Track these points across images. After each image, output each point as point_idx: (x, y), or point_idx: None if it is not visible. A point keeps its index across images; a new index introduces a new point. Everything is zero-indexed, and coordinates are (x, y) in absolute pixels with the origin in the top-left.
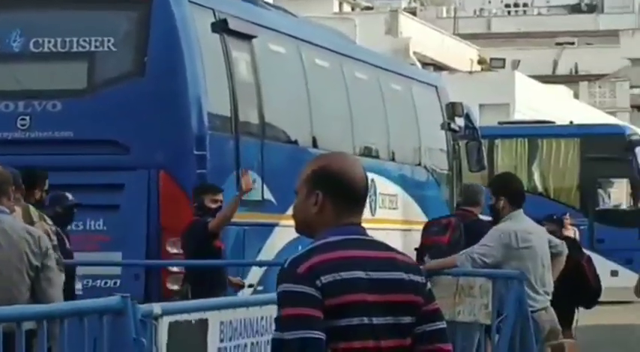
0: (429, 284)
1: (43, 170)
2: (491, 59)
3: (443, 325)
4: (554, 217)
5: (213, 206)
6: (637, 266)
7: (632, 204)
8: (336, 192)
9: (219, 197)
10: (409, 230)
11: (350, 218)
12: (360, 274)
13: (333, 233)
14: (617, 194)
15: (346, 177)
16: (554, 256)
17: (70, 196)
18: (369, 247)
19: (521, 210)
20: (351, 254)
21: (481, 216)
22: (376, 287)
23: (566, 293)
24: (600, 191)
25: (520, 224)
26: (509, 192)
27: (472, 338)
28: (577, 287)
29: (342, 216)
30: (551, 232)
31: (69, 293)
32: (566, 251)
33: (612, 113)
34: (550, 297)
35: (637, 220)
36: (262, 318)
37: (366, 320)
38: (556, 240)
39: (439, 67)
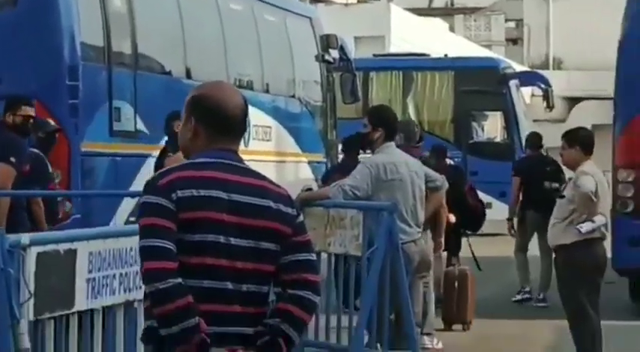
0: (301, 217)
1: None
2: None
3: (310, 257)
4: (437, 147)
5: (18, 120)
6: (510, 199)
7: (505, 137)
8: (208, 118)
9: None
10: (283, 162)
11: (222, 144)
12: (221, 194)
13: (203, 156)
14: (491, 127)
15: (218, 105)
16: (432, 190)
17: (51, 122)
18: (237, 172)
19: (393, 144)
20: (215, 175)
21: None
22: (236, 209)
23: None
24: (474, 124)
25: (391, 157)
26: (388, 124)
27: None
28: (460, 213)
29: (215, 141)
30: (432, 163)
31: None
32: (445, 185)
33: (487, 46)
34: (421, 229)
35: (510, 153)
36: (132, 249)
37: (222, 239)
38: (435, 175)
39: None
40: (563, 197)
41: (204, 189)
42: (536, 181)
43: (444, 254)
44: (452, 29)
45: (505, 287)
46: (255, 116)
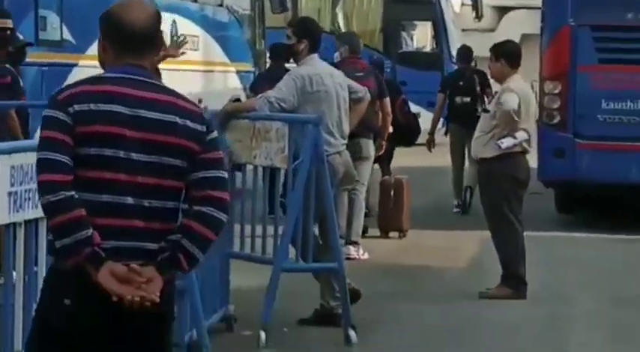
0: (213, 134)
1: None
2: None
3: (219, 174)
4: (375, 61)
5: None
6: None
7: (434, 46)
8: (110, 34)
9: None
10: (211, 71)
11: (127, 59)
12: (121, 109)
13: (109, 71)
14: (421, 37)
15: (120, 21)
16: (355, 102)
17: (20, 36)
18: (142, 87)
19: (317, 55)
20: (117, 90)
21: None
22: (138, 124)
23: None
24: (403, 33)
25: (315, 68)
26: (313, 36)
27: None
28: (395, 126)
29: (121, 57)
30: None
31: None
32: (368, 97)
33: None
34: (346, 141)
35: (439, 63)
36: None
37: (121, 153)
38: (357, 87)
39: None
40: (487, 111)
41: (104, 103)
42: (453, 96)
43: (376, 165)
44: None
45: (441, 196)
46: (183, 25)
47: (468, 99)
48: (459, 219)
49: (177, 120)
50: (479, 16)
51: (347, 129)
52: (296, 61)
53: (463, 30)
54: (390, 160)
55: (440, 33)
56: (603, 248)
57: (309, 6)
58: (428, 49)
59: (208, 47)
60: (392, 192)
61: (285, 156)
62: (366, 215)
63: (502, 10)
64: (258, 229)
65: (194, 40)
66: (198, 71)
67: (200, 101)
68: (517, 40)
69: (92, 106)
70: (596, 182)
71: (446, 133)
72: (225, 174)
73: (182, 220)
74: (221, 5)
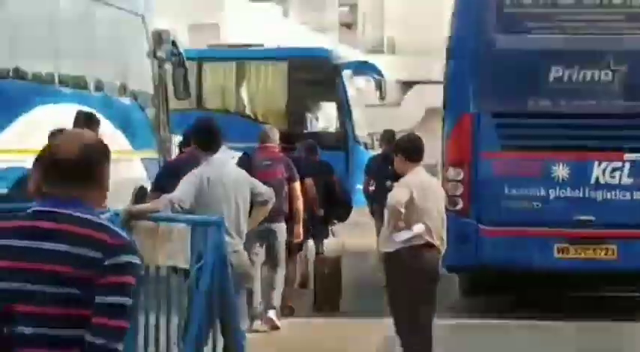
0: (114, 259)
1: None
2: None
3: (115, 300)
4: (307, 144)
5: None
6: (348, 187)
7: (338, 127)
8: (42, 166)
9: None
10: (115, 161)
11: (49, 188)
12: (12, 242)
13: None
14: (325, 117)
15: (49, 150)
16: (259, 204)
17: None
18: (45, 219)
19: (217, 155)
20: (20, 224)
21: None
22: (10, 254)
23: (317, 213)
24: (308, 114)
25: (214, 168)
26: (199, 136)
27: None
28: (330, 205)
29: (45, 186)
30: (302, 158)
31: None
32: (272, 200)
33: (322, 31)
34: (243, 240)
35: (343, 143)
36: None
37: (14, 285)
38: (262, 188)
39: None
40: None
41: (5, 238)
42: (379, 180)
43: (311, 242)
44: (286, 14)
45: (369, 274)
46: None
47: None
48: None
49: (66, 248)
50: (382, 97)
51: (245, 230)
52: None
53: (368, 105)
54: (324, 238)
55: (343, 113)
56: (509, 332)
57: (214, 87)
58: (332, 129)
59: (112, 136)
60: (326, 270)
61: (187, 257)
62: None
63: (407, 85)
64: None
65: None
66: None
67: None
68: (422, 114)
69: None
70: (501, 268)
71: (372, 214)
72: (124, 300)
73: None
74: (125, 93)
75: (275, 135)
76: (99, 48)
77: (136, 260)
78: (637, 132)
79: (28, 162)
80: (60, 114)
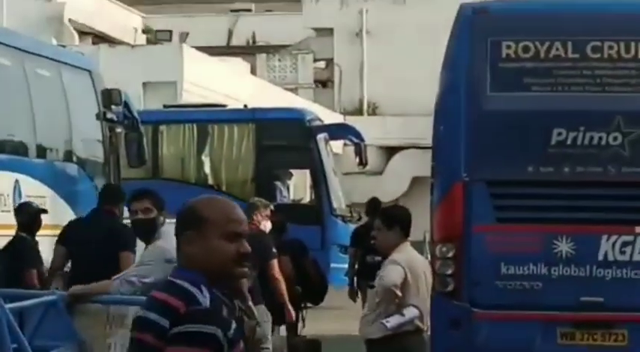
0: (179, 329)
1: None
2: (157, 31)
3: None
4: (278, 224)
5: None
6: (323, 266)
7: (312, 198)
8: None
9: None
10: None
11: None
12: None
13: None
14: (297, 187)
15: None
16: None
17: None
18: None
19: (171, 227)
20: None
21: None
22: None
23: (294, 293)
24: (278, 183)
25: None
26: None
27: None
28: (303, 286)
29: None
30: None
31: None
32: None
33: (294, 90)
34: None
35: (318, 216)
36: None
37: None
38: None
39: (99, 37)
40: (373, 287)
41: None
42: (363, 253)
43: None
44: (254, 71)
45: None
46: (28, 185)
47: (379, 258)
48: None
49: (146, 314)
50: (363, 164)
51: None
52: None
53: (346, 173)
54: (298, 320)
55: (319, 182)
56: None
57: (172, 152)
58: (305, 200)
59: (57, 208)
60: None
61: None
62: None
63: (390, 151)
64: None
65: (41, 201)
66: (47, 236)
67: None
68: (407, 183)
69: None
70: None
71: (356, 292)
72: None
73: None
74: (71, 160)
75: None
76: (40, 109)
77: (200, 329)
78: None
79: None
80: None
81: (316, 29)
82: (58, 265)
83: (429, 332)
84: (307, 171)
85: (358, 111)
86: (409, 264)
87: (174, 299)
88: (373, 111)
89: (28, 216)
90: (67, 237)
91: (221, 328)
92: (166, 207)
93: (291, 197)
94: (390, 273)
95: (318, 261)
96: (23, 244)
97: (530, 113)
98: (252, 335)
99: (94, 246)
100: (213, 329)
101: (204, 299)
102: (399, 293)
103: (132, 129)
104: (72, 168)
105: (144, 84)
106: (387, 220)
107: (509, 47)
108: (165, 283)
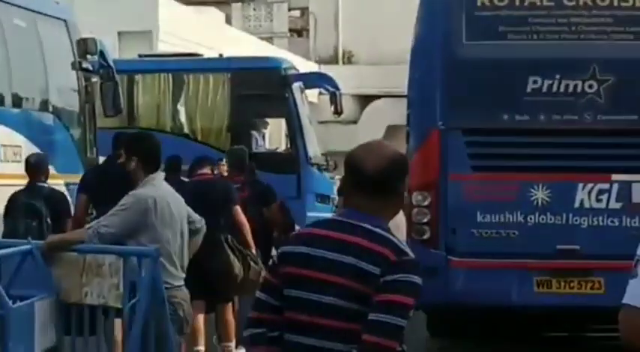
0: (394, 277)
1: None
2: None
3: (387, 319)
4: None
5: None
6: (296, 216)
7: (289, 146)
8: (350, 178)
9: None
10: None
11: (354, 200)
12: (304, 249)
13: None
14: (273, 136)
15: (354, 163)
16: (192, 233)
17: None
18: (336, 228)
19: (160, 174)
20: (313, 232)
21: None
22: (315, 265)
23: (262, 239)
24: (254, 132)
25: (159, 190)
26: (142, 152)
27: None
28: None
29: (352, 198)
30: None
31: None
32: (204, 229)
33: (269, 39)
34: (184, 275)
35: (294, 165)
36: None
37: (303, 294)
38: (195, 217)
39: None
40: None
41: (295, 245)
42: None
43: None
44: (229, 20)
45: None
46: (3, 134)
47: None
48: None
49: (353, 261)
50: (338, 112)
51: (186, 262)
52: (134, 182)
53: (321, 122)
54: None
55: (294, 131)
56: None
57: (147, 102)
58: (281, 149)
59: None
60: None
61: (119, 293)
62: None
63: (365, 99)
64: None
65: (16, 150)
66: (22, 185)
67: None
68: (382, 131)
69: (287, 249)
70: (473, 304)
71: None
72: (396, 320)
73: None
74: (46, 110)
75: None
76: (15, 58)
77: (417, 280)
78: (626, 151)
79: None
80: None
81: None
82: (81, 213)
83: None
84: (283, 120)
85: (333, 60)
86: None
87: (386, 248)
88: (348, 59)
89: (44, 166)
90: (86, 184)
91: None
92: None
93: (267, 146)
94: None
95: (292, 209)
96: (57, 193)
97: (505, 61)
98: (257, 279)
99: (112, 189)
100: (419, 280)
101: (408, 248)
102: None
103: (107, 79)
104: (48, 118)
105: (119, 33)
106: None
107: None
108: (367, 231)
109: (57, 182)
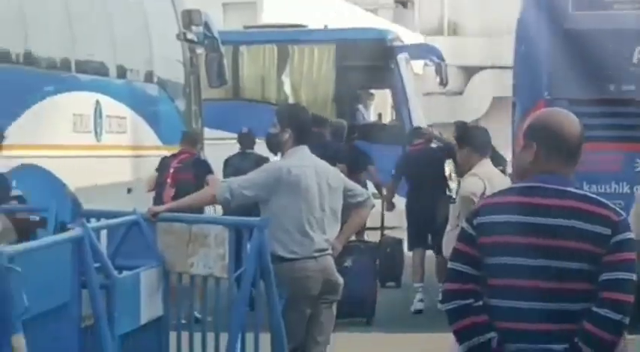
0: (622, 236)
1: None
2: None
3: (621, 276)
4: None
5: None
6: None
7: (394, 118)
8: (547, 143)
9: None
10: (140, 156)
11: (551, 166)
12: (517, 218)
13: (528, 180)
14: (378, 107)
15: (554, 129)
16: (355, 206)
17: None
18: (539, 194)
19: (304, 147)
20: (510, 200)
21: None
22: (534, 231)
23: None
24: (359, 104)
25: (299, 160)
26: (296, 125)
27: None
28: None
29: (547, 164)
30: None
31: None
32: (371, 202)
33: (373, 11)
34: (328, 245)
35: (400, 136)
36: None
37: (519, 260)
38: (357, 189)
39: None
40: (454, 201)
41: (502, 214)
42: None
43: None
44: None
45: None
46: (108, 105)
47: None
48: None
49: (580, 224)
50: (443, 83)
51: (333, 233)
52: (281, 152)
53: (427, 94)
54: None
55: (399, 102)
56: None
57: (252, 73)
58: (387, 120)
59: (138, 129)
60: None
61: (225, 264)
62: None
63: (470, 71)
64: None
65: (121, 122)
66: (127, 157)
67: (130, 191)
68: (488, 103)
69: (492, 218)
70: None
71: None
72: (631, 276)
73: (582, 323)
74: (151, 81)
75: None
76: (120, 30)
77: (633, 236)
78: None
79: (42, 159)
80: (77, 104)
81: None
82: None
83: None
84: (388, 91)
85: (438, 31)
86: (488, 177)
87: (605, 209)
88: (453, 31)
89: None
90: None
91: None
92: (247, 126)
93: (372, 117)
94: (468, 184)
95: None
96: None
97: (612, 31)
98: None
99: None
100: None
101: None
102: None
103: (212, 50)
104: (152, 89)
105: (224, 4)
106: (460, 140)
107: None
108: (577, 195)
109: (162, 153)
